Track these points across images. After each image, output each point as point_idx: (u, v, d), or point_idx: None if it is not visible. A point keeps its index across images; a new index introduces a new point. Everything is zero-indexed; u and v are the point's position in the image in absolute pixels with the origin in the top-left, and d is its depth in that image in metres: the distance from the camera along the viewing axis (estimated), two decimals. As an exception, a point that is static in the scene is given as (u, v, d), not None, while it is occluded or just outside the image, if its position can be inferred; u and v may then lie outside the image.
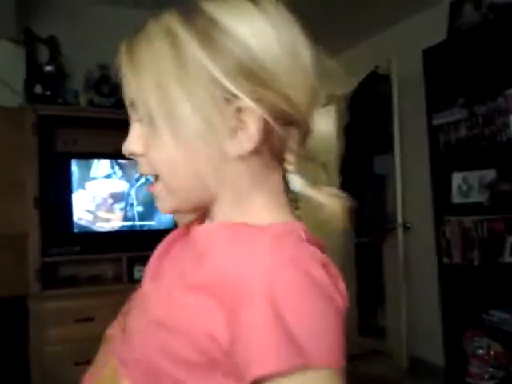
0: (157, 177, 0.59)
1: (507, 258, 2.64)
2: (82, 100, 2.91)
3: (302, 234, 0.55)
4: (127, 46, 0.57)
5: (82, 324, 2.64)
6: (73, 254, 2.79)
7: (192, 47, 0.53)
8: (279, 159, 0.59)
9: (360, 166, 3.47)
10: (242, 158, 0.55)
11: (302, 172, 0.60)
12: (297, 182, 0.59)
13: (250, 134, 0.54)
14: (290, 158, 0.59)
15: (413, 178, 3.45)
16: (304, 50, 0.57)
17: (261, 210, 0.58)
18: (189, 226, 0.65)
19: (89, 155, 2.92)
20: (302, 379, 0.46)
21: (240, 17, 0.55)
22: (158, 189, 0.59)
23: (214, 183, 0.56)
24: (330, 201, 0.57)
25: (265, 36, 0.54)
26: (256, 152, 0.56)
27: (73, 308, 2.65)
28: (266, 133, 0.55)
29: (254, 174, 0.58)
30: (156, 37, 0.55)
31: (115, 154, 3.00)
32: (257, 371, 0.46)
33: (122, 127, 2.88)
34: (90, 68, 2.89)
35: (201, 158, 0.55)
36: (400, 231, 3.23)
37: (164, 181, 0.58)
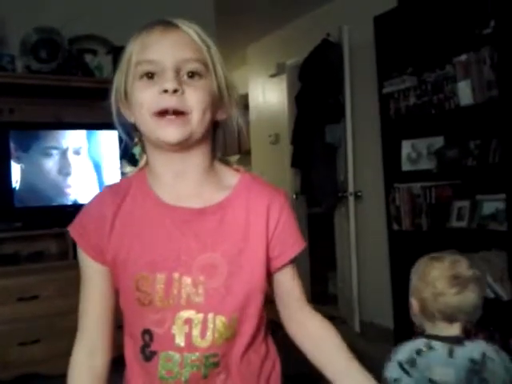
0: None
1: (454, 223, 2.72)
2: (19, 66, 2.72)
3: None
4: None
5: (26, 302, 2.53)
6: (14, 230, 2.65)
7: None
8: None
9: (312, 135, 3.44)
10: None
11: None
12: None
13: None
14: None
15: (364, 146, 3.47)
16: None
17: None
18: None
19: (28, 125, 2.74)
20: None
21: None
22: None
23: None
24: None
25: None
26: None
27: (15, 286, 2.53)
28: None
29: None
30: None
31: (56, 124, 2.86)
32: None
33: (62, 94, 2.69)
34: (27, 31, 2.68)
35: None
36: (351, 200, 3.26)
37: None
